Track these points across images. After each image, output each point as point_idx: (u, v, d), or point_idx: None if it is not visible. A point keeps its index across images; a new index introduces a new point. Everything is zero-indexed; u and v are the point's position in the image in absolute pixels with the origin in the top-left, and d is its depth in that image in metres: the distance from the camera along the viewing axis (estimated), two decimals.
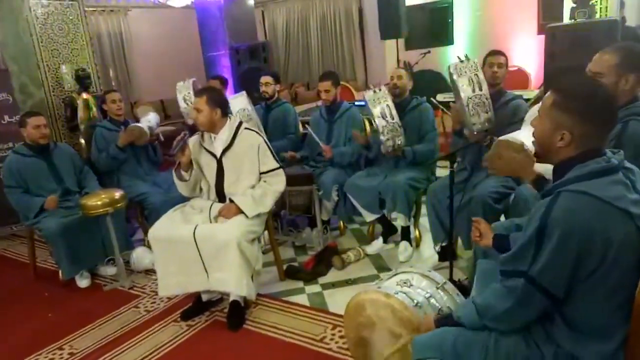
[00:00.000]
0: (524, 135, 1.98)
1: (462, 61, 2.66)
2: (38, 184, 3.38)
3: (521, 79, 5.57)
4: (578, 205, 1.25)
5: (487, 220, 1.95)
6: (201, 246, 2.57)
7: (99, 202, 3.14)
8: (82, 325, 2.84)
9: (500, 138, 2.00)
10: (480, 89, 2.59)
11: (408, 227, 3.30)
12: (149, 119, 3.91)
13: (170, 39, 8.36)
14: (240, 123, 2.86)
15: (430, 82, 5.85)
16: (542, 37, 5.72)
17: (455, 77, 2.63)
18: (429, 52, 6.19)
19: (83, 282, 3.37)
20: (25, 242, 3.80)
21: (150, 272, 3.44)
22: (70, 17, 4.66)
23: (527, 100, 3.44)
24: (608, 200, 1.24)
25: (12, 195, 3.34)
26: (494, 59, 2.89)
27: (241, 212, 2.69)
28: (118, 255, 3.28)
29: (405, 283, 1.97)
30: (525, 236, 1.32)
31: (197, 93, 2.79)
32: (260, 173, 2.82)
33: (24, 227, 3.73)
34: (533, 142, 1.95)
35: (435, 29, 7.07)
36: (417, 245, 3.40)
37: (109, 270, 3.48)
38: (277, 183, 2.84)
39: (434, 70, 6.37)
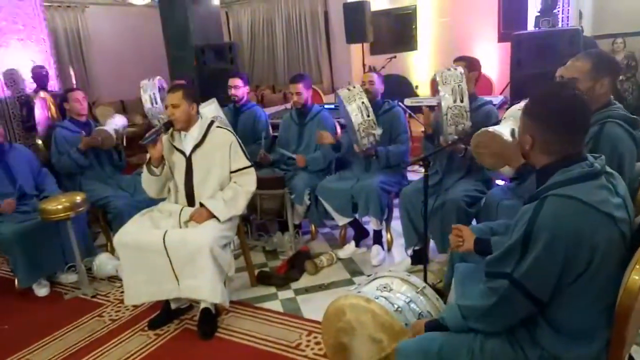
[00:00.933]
0: (503, 128, 2.04)
1: (449, 69, 2.68)
2: None
3: (485, 84, 5.72)
4: (565, 210, 1.27)
5: (459, 223, 1.98)
6: (171, 252, 2.48)
7: (59, 207, 2.98)
8: (42, 337, 2.68)
9: (483, 129, 2.05)
10: (462, 101, 2.61)
11: (380, 230, 3.31)
12: (116, 122, 3.75)
13: (132, 37, 8.12)
14: (212, 121, 2.79)
15: (397, 87, 5.93)
16: (503, 44, 5.94)
17: (439, 85, 2.64)
18: (394, 57, 6.26)
19: (42, 290, 3.19)
20: None
21: (113, 279, 3.30)
22: (26, 12, 4.43)
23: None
24: (593, 204, 1.26)
25: None
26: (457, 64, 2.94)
27: (213, 216, 2.62)
28: (80, 262, 3.12)
29: (385, 287, 1.96)
30: (512, 239, 1.34)
31: (172, 89, 2.69)
32: (231, 172, 2.75)
33: None
34: (512, 131, 2.01)
35: (400, 34, 7.18)
36: (389, 249, 3.41)
37: (69, 278, 3.31)
38: (248, 183, 2.77)
39: (400, 75, 6.45)
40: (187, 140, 2.73)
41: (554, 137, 1.36)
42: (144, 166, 2.71)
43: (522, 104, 2.28)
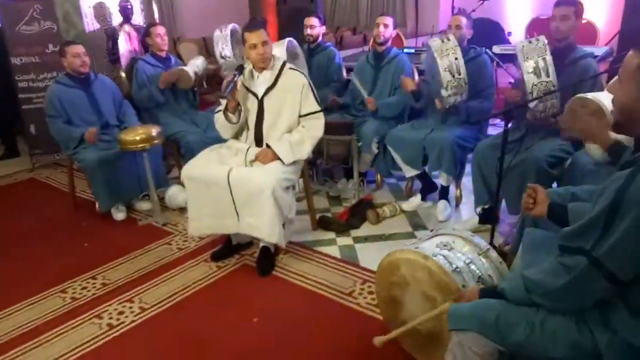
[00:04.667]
0: (604, 97, 1.77)
1: (530, 42, 2.37)
2: (78, 115, 3.37)
3: (588, 33, 5.09)
4: None
5: (540, 184, 1.78)
6: (234, 189, 2.51)
7: (136, 138, 3.11)
8: (116, 257, 2.89)
9: (578, 95, 1.80)
10: (548, 75, 2.31)
11: (449, 185, 3.14)
12: (197, 64, 3.80)
13: None
14: (285, 62, 2.72)
15: (487, 33, 5.43)
16: None
17: (520, 59, 2.36)
18: None
19: (119, 215, 3.41)
20: (66, 172, 3.87)
21: (183, 210, 3.42)
22: None
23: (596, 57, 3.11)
24: None
25: (53, 125, 3.35)
26: (556, 10, 2.59)
27: (278, 158, 2.60)
28: (153, 192, 3.28)
29: (445, 246, 1.85)
30: (595, 210, 1.16)
31: (254, 27, 2.60)
32: (300, 116, 2.71)
33: (64, 156, 3.77)
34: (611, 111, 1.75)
35: None
36: (457, 205, 3.24)
37: (144, 206, 3.51)
38: (316, 128, 2.72)
39: (492, 19, 5.90)
40: (260, 82, 2.70)
41: None
42: (222, 113, 2.72)
43: None
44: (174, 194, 3.45)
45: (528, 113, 2.52)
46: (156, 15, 5.76)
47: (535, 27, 5.53)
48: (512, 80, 3.63)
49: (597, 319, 1.24)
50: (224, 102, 2.70)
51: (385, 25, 3.41)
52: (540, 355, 1.29)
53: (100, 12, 4.47)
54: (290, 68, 2.74)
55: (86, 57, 3.38)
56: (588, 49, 2.83)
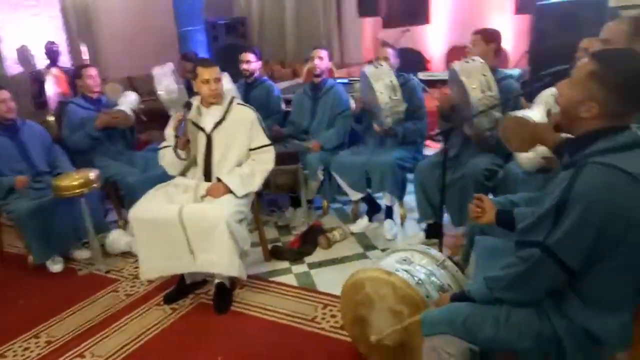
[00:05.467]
0: (534, 114, 1.97)
1: (467, 62, 2.59)
2: (6, 164, 3.16)
3: (501, 57, 5.60)
4: (603, 179, 1.22)
5: None
6: (188, 227, 2.46)
7: (74, 183, 2.96)
8: (58, 312, 2.69)
9: (509, 115, 1.99)
10: (491, 90, 2.51)
11: (392, 205, 3.27)
12: (131, 101, 3.71)
13: (141, 13, 7.97)
14: (233, 98, 2.77)
15: (411, 61, 5.79)
16: (519, 16, 5.77)
17: (463, 78, 2.54)
18: (408, 30, 6.11)
19: (56, 266, 3.20)
20: None
21: (126, 255, 3.31)
22: None
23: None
24: (635, 174, 1.21)
25: None
26: (471, 38, 2.86)
27: (230, 191, 2.60)
28: (93, 238, 3.12)
29: (405, 260, 1.93)
30: (545, 207, 1.29)
31: (207, 63, 2.67)
32: (250, 149, 2.74)
33: None
34: (540, 115, 1.94)
35: (413, 7, 6.99)
36: (402, 223, 3.38)
37: (83, 254, 3.32)
38: (266, 161, 2.76)
39: (414, 49, 6.30)
40: (208, 118, 2.70)
41: (622, 108, 1.27)
42: (168, 149, 2.68)
43: (553, 89, 2.21)
44: (116, 238, 3.31)
45: (473, 133, 2.71)
46: (85, 56, 5.57)
47: (453, 54, 5.99)
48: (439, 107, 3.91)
49: (554, 308, 1.36)
50: (170, 138, 2.67)
51: (320, 58, 3.55)
52: (509, 349, 1.39)
53: (24, 55, 4.26)
54: (239, 103, 2.78)
55: (12, 102, 3.20)
56: (507, 71, 3.12)
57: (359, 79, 3.40)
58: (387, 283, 1.83)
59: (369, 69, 3.02)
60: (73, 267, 3.24)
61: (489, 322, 1.39)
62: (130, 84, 7.79)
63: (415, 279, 1.82)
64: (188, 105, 2.64)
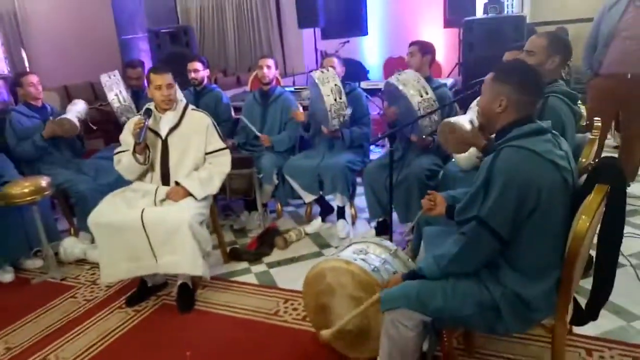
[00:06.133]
0: (466, 119, 2.27)
1: (400, 74, 2.91)
2: None
3: (434, 68, 6.02)
4: (517, 157, 1.53)
5: (421, 195, 2.21)
6: (150, 230, 2.54)
7: (24, 190, 2.93)
8: (14, 320, 2.67)
9: (444, 121, 2.27)
10: (427, 93, 2.83)
11: (344, 206, 3.50)
12: (77, 109, 3.68)
13: (78, 20, 7.76)
14: (187, 104, 2.85)
15: (352, 71, 6.09)
16: (449, 30, 6.25)
17: (401, 87, 2.84)
18: (348, 41, 6.42)
19: (6, 276, 3.13)
20: None
21: (81, 262, 3.30)
22: None
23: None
24: (539, 152, 1.53)
25: None
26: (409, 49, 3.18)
27: (189, 194, 2.70)
28: (47, 246, 3.09)
29: (361, 251, 2.14)
30: (475, 187, 1.58)
31: (160, 70, 2.74)
32: (206, 153, 2.84)
33: None
34: (471, 120, 2.25)
35: (351, 19, 7.33)
36: (354, 223, 3.60)
37: (35, 263, 3.28)
38: (223, 164, 2.87)
39: (354, 59, 6.62)
40: (163, 123, 2.78)
41: (522, 97, 1.61)
42: (126, 154, 2.74)
43: None
44: (70, 246, 3.29)
45: (413, 135, 2.99)
46: (26, 64, 5.37)
47: (390, 65, 6.36)
48: (379, 112, 4.23)
49: (491, 277, 1.62)
50: (126, 143, 2.73)
51: (268, 67, 3.71)
52: (456, 317, 1.63)
53: None
54: (193, 109, 2.88)
55: (40, 85, 3.12)
56: (441, 80, 3.45)
57: (306, 87, 3.60)
58: (346, 272, 2.03)
59: (316, 73, 3.25)
60: (25, 276, 3.19)
61: (439, 294, 1.63)
62: (67, 93, 7.57)
63: (372, 266, 2.03)
64: (148, 112, 2.71)
